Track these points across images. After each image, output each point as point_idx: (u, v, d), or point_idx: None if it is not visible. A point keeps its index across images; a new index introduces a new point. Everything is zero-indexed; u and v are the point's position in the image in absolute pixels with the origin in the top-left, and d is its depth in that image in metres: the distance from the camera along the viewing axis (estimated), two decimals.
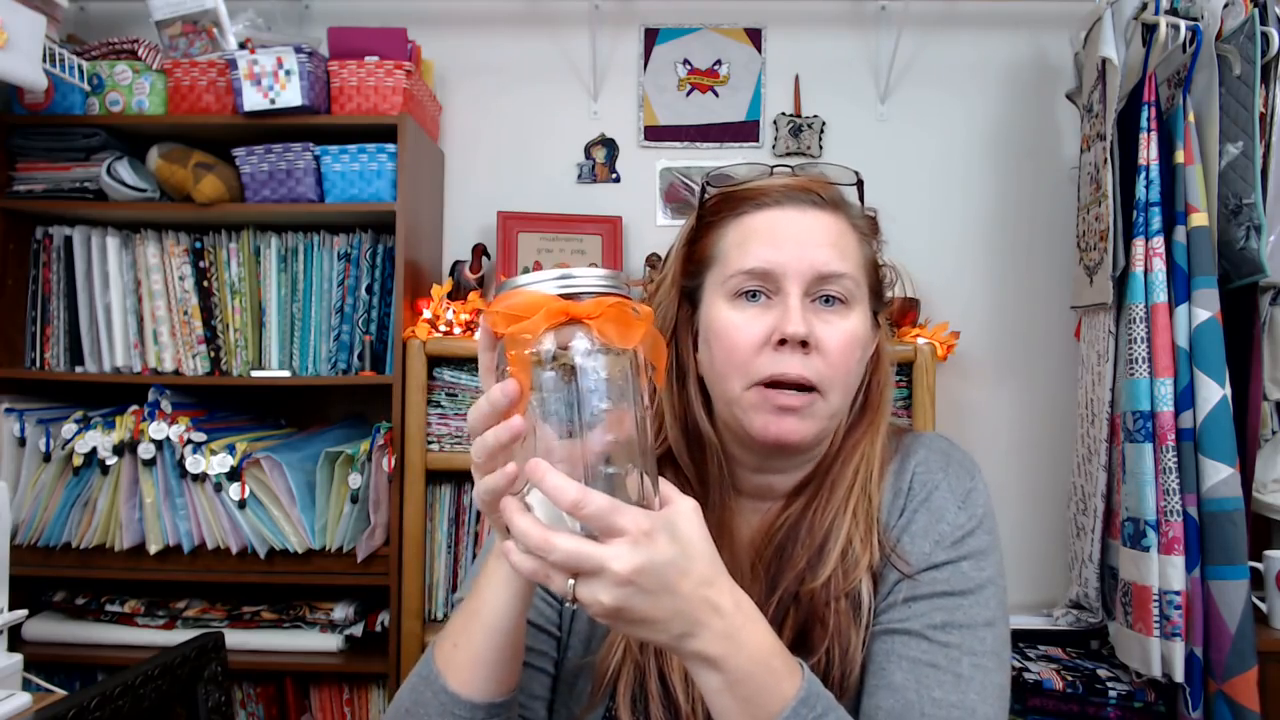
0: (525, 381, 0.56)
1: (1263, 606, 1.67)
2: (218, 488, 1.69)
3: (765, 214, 0.74)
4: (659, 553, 0.53)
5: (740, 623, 0.57)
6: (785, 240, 0.72)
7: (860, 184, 0.77)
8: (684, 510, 0.56)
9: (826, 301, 0.72)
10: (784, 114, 2.10)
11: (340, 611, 1.80)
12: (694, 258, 0.78)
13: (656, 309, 0.79)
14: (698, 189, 0.80)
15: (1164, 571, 1.51)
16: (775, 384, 0.70)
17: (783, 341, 0.69)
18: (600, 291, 0.58)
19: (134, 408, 1.75)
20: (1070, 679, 1.65)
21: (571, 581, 0.54)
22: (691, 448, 0.78)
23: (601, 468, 0.56)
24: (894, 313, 1.82)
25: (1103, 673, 1.67)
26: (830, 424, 0.73)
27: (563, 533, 0.54)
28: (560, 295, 0.57)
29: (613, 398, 0.57)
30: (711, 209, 0.78)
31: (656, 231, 2.10)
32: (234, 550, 1.70)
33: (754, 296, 0.72)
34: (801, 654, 0.67)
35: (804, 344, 0.69)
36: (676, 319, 0.78)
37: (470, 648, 0.65)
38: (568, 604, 0.55)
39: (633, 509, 0.54)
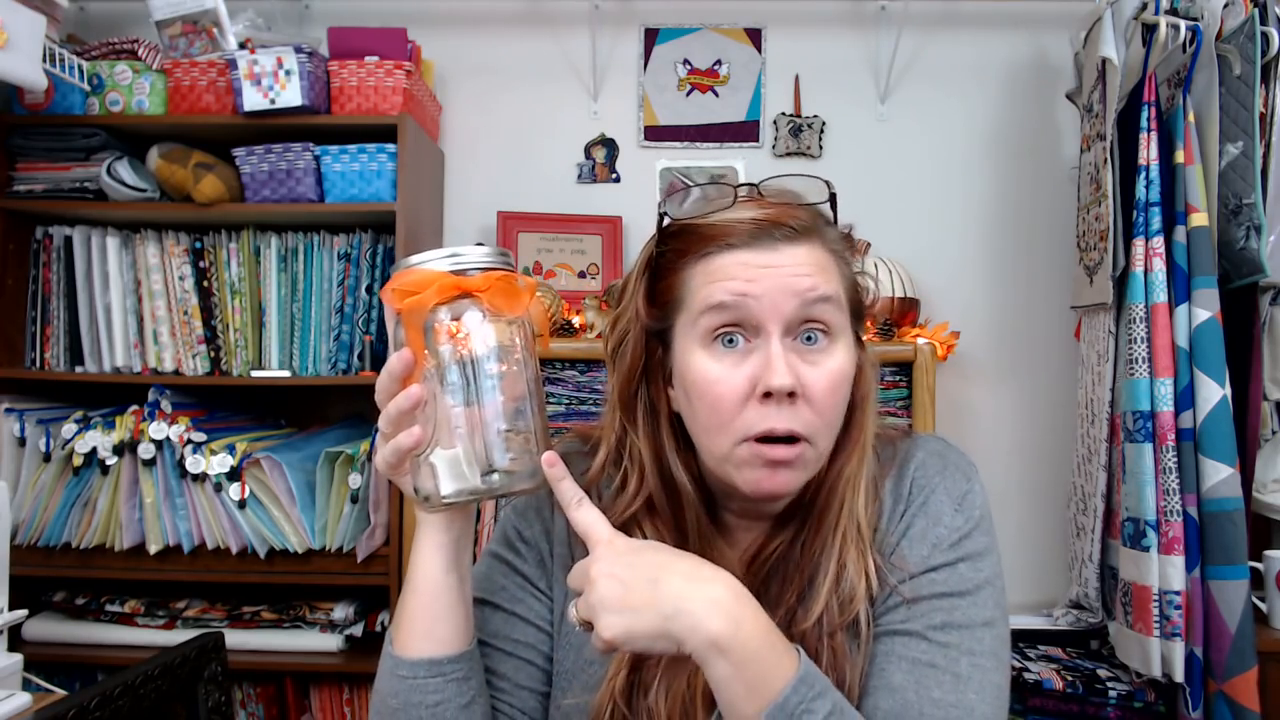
0: (420, 351, 0.62)
1: (1263, 606, 1.67)
2: (218, 488, 1.69)
3: (734, 255, 0.68)
4: (622, 545, 0.62)
5: (734, 600, 0.60)
6: (759, 275, 0.67)
7: (833, 197, 0.71)
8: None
9: (809, 340, 0.68)
10: (784, 114, 2.10)
11: (340, 611, 1.80)
12: (659, 299, 0.73)
13: (622, 343, 0.75)
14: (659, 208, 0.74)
15: (1164, 571, 1.51)
16: (763, 439, 0.67)
17: (768, 394, 0.65)
18: (487, 267, 0.64)
19: (134, 408, 1.75)
20: (1070, 679, 1.65)
21: (573, 608, 0.62)
22: (670, 495, 0.74)
23: (497, 426, 0.62)
24: (894, 313, 1.84)
25: (1103, 673, 1.67)
26: (818, 464, 0.71)
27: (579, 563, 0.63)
28: (450, 272, 0.63)
29: (504, 363, 0.63)
30: (674, 245, 0.72)
31: None
32: (234, 550, 1.70)
33: (731, 341, 0.67)
34: None
35: (790, 394, 0.65)
36: (645, 357, 0.74)
37: (404, 611, 0.70)
38: (579, 628, 0.62)
39: (609, 525, 0.64)
